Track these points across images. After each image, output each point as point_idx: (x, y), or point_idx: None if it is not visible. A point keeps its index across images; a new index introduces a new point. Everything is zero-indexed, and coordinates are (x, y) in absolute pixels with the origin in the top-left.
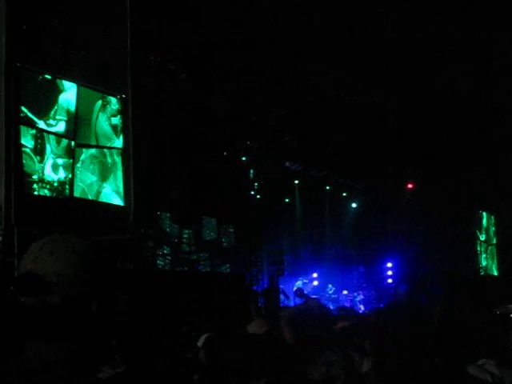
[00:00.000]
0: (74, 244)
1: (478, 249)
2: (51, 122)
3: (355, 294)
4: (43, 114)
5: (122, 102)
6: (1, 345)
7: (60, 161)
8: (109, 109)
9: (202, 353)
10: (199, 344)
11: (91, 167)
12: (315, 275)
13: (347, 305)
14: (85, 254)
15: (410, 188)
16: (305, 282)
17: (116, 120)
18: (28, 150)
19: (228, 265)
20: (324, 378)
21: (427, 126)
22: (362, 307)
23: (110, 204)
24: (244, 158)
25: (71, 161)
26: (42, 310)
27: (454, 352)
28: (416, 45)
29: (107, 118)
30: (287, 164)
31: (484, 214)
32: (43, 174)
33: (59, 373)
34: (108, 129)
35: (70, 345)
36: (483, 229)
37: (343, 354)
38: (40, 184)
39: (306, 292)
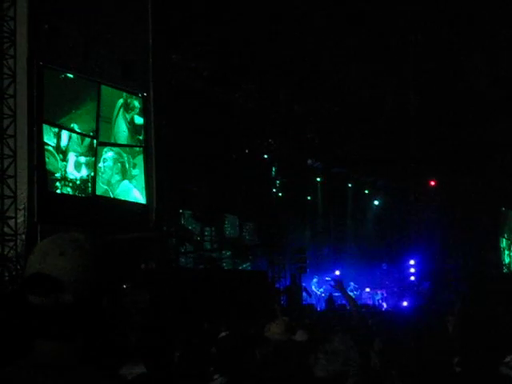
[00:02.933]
0: (81, 243)
1: (502, 246)
2: (73, 120)
3: (374, 292)
4: (65, 112)
5: (143, 99)
6: (12, 343)
7: (83, 159)
8: (131, 107)
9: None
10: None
11: (113, 165)
12: (337, 273)
13: (370, 302)
14: (93, 252)
15: (432, 185)
16: (327, 280)
17: (138, 119)
18: (51, 148)
19: (250, 262)
20: (329, 375)
21: (451, 122)
22: (384, 304)
23: (132, 202)
24: (266, 156)
25: (93, 159)
26: (52, 310)
27: (480, 350)
28: (438, 42)
29: (128, 117)
30: (309, 161)
31: (508, 210)
32: (66, 172)
33: (69, 371)
34: (127, 127)
35: (80, 343)
36: (507, 226)
37: (361, 349)
38: (63, 182)
39: (319, 290)
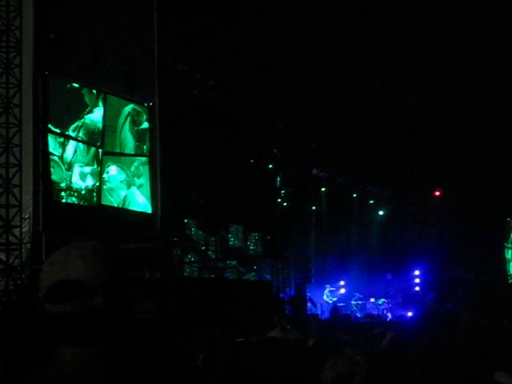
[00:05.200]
0: (98, 249)
1: (507, 256)
2: (79, 129)
3: (378, 301)
4: (71, 122)
5: (148, 109)
6: (31, 352)
7: (87, 169)
8: (135, 117)
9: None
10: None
11: (119, 175)
12: (342, 283)
13: (374, 312)
14: (110, 257)
15: (437, 195)
16: (331, 290)
17: (144, 129)
18: (56, 158)
19: (254, 272)
20: (336, 376)
21: (456, 132)
22: (389, 315)
23: (137, 211)
24: (271, 166)
25: (99, 169)
26: (80, 314)
27: (482, 359)
28: (444, 52)
29: (134, 127)
30: (314, 171)
31: None
32: (71, 182)
33: (91, 379)
34: (133, 136)
35: (101, 350)
36: None
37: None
38: (68, 192)
39: (332, 299)
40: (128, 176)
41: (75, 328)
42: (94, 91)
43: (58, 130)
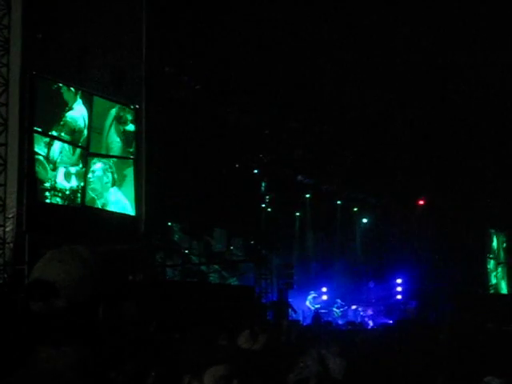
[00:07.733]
0: (80, 253)
1: (489, 266)
2: (64, 130)
3: (360, 309)
4: (57, 122)
5: (135, 112)
6: (12, 352)
7: (72, 169)
8: (122, 119)
9: None
10: None
11: (103, 176)
12: (324, 289)
13: (356, 320)
14: (91, 261)
15: (421, 204)
16: (315, 297)
17: (130, 131)
18: (41, 158)
19: (237, 277)
20: (297, 380)
21: (440, 142)
22: (370, 322)
23: (121, 213)
24: (256, 171)
25: (84, 169)
26: (50, 315)
27: (462, 368)
28: (430, 59)
29: (120, 128)
30: (299, 177)
31: (494, 231)
32: (55, 182)
33: (69, 379)
34: (119, 139)
35: (78, 350)
36: (493, 247)
37: (319, 356)
38: (52, 192)
39: (315, 306)
40: (113, 178)
41: (47, 327)
42: (73, 88)
43: (44, 130)
